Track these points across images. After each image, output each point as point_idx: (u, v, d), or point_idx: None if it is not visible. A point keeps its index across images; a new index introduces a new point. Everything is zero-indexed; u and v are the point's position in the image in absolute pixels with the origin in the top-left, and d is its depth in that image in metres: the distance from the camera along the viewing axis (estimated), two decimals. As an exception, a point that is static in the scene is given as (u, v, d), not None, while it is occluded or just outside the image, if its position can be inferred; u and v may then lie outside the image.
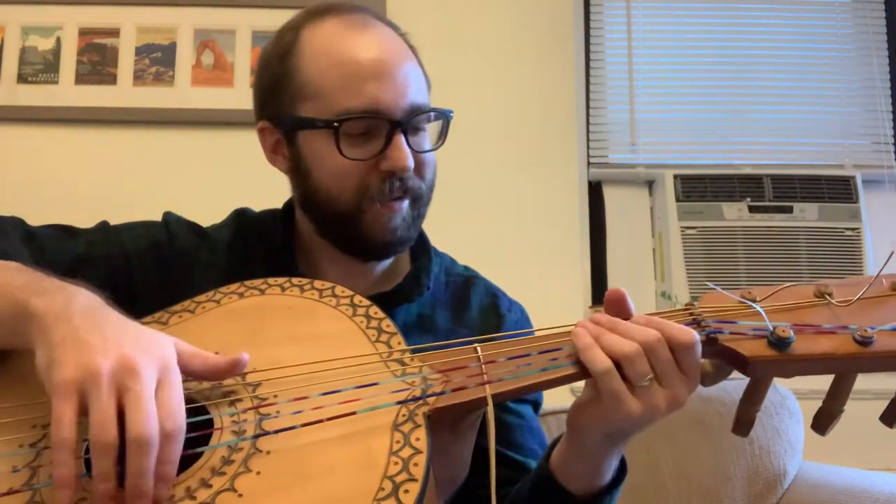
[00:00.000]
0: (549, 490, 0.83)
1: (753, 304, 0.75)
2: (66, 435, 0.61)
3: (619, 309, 0.75)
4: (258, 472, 0.65)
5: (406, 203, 0.94)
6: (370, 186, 0.92)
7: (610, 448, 0.79)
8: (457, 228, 1.29)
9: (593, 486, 0.82)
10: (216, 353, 0.75)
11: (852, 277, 0.80)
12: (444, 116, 0.97)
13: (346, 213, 0.94)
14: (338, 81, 0.91)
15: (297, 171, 0.97)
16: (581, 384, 0.76)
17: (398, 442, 0.66)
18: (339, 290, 0.83)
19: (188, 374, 0.69)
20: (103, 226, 1.01)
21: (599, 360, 0.70)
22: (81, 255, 0.95)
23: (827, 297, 0.76)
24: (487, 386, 0.70)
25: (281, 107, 0.96)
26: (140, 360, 0.65)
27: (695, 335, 0.70)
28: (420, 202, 0.96)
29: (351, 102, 0.90)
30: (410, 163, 0.91)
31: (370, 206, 0.93)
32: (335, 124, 0.90)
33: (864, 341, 0.71)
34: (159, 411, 0.63)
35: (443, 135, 0.98)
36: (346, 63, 0.91)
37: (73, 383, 0.63)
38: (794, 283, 0.78)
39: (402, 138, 0.91)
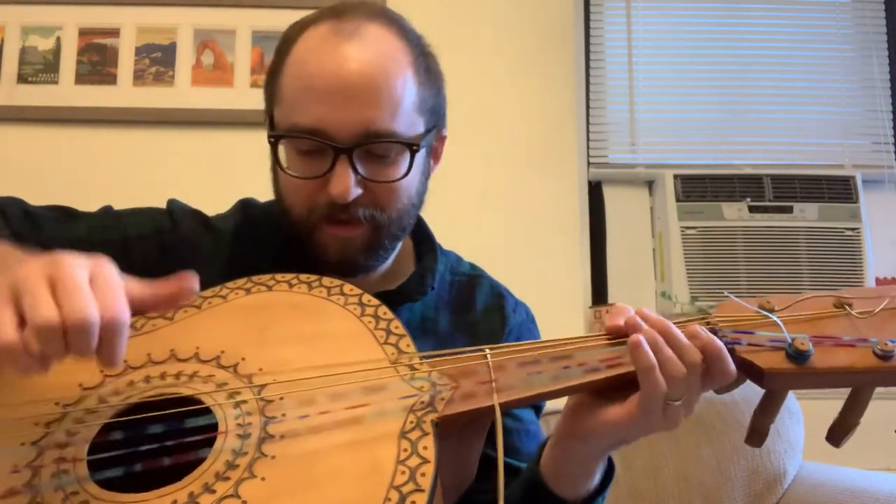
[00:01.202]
0: (539, 496, 0.81)
1: (770, 315, 0.73)
2: (10, 335, 0.59)
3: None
4: (263, 478, 0.64)
5: (362, 230, 0.89)
6: (317, 207, 0.88)
7: (605, 453, 0.79)
8: (457, 228, 1.28)
9: (584, 489, 0.81)
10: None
11: (874, 288, 0.79)
12: (407, 147, 0.88)
13: (300, 227, 0.91)
14: (294, 95, 0.87)
15: (272, 172, 0.95)
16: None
17: (405, 450, 0.65)
18: (347, 288, 0.82)
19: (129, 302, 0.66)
20: (106, 211, 0.99)
21: (660, 384, 0.70)
22: (80, 238, 0.93)
23: (847, 307, 0.75)
24: (496, 394, 0.69)
25: (268, 106, 0.94)
26: (64, 255, 0.64)
27: (735, 374, 0.71)
28: (383, 232, 0.91)
29: (299, 119, 0.86)
30: (351, 193, 0.85)
31: (319, 224, 0.89)
32: (271, 139, 0.89)
33: (885, 355, 0.70)
34: (98, 299, 0.62)
35: (408, 168, 0.89)
36: (307, 76, 0.86)
37: (3, 296, 0.61)
38: (814, 294, 0.77)
39: (346, 166, 0.85)
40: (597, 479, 0.81)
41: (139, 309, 0.68)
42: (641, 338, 0.70)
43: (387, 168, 0.89)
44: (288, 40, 0.91)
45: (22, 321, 0.61)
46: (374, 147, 0.86)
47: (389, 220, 0.91)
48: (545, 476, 0.81)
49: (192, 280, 0.69)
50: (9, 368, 0.61)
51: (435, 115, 0.94)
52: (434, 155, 0.99)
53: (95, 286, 0.63)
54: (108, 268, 0.65)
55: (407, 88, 0.88)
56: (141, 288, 0.68)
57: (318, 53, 0.87)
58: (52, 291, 0.61)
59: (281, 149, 0.90)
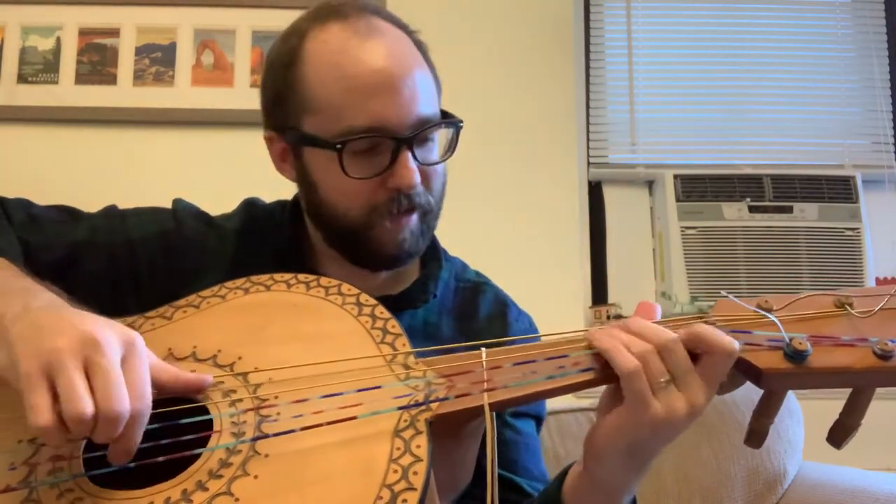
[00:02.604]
0: None
1: (769, 315, 0.72)
2: (46, 419, 0.61)
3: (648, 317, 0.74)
4: (256, 476, 0.65)
5: (415, 217, 0.91)
6: (379, 204, 0.89)
7: (627, 476, 0.76)
8: (456, 228, 1.28)
9: None
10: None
11: (875, 287, 0.78)
12: (455, 126, 0.93)
13: (354, 228, 0.91)
14: (341, 98, 0.87)
15: (304, 183, 0.94)
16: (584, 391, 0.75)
17: (398, 449, 0.65)
18: (345, 288, 0.82)
19: (154, 384, 0.69)
20: (109, 211, 1.00)
21: (628, 360, 0.68)
22: (83, 240, 0.94)
23: (847, 307, 0.73)
24: (486, 394, 0.69)
25: (287, 119, 0.92)
26: (100, 333, 0.65)
27: (735, 345, 0.68)
28: (430, 215, 0.94)
29: (354, 120, 0.86)
30: (417, 179, 0.88)
31: (379, 221, 0.90)
32: (338, 146, 0.87)
33: (885, 355, 0.68)
34: (127, 387, 0.63)
35: (452, 145, 0.94)
36: (349, 77, 0.87)
37: (38, 370, 0.63)
38: (813, 294, 0.75)
39: (409, 155, 0.87)
40: None
41: (159, 390, 0.70)
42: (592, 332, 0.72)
43: (433, 152, 0.93)
44: (293, 51, 0.91)
45: (55, 399, 0.62)
46: (425, 133, 0.90)
47: (436, 202, 0.94)
48: (566, 499, 0.80)
49: (208, 379, 0.72)
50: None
51: (439, 98, 0.97)
52: None
53: (127, 370, 0.65)
54: (140, 348, 0.67)
55: (427, 75, 0.93)
56: (167, 373, 0.71)
57: (351, 53, 0.88)
58: (87, 377, 0.63)
59: (320, 156, 0.90)
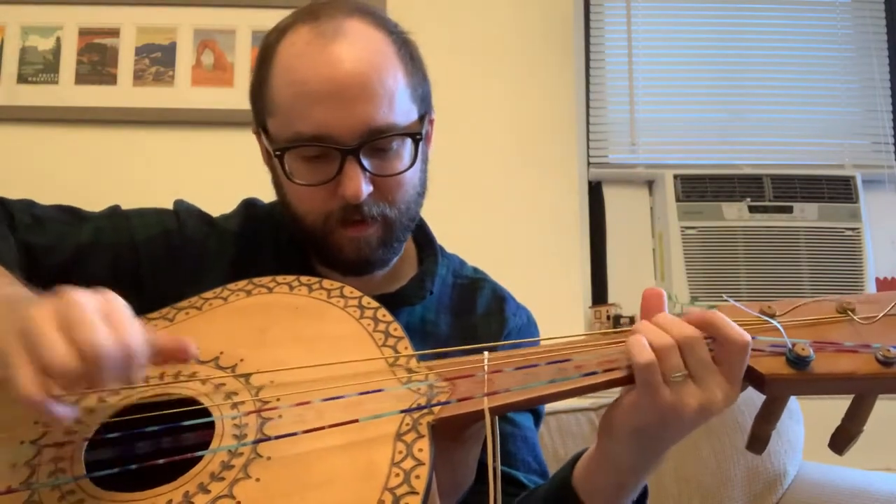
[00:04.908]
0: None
1: (771, 320, 0.72)
2: (31, 389, 0.59)
3: (655, 306, 0.74)
4: (257, 479, 0.65)
5: (372, 229, 0.90)
6: (333, 211, 0.89)
7: (636, 457, 0.75)
8: (457, 228, 1.28)
9: None
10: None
11: (878, 293, 0.77)
12: (411, 138, 0.89)
13: (313, 233, 0.92)
14: (291, 103, 0.87)
15: (275, 183, 0.95)
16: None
17: (400, 452, 0.65)
18: (347, 290, 0.82)
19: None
20: (112, 211, 1.00)
21: (643, 354, 0.68)
22: (88, 241, 0.94)
23: (850, 312, 0.73)
24: (486, 399, 0.69)
25: (259, 117, 0.94)
26: (74, 293, 0.63)
27: (747, 337, 0.68)
28: (393, 227, 0.92)
29: (300, 127, 0.86)
30: (363, 192, 0.86)
31: (336, 228, 0.90)
32: (277, 153, 0.88)
33: (887, 361, 0.68)
34: (110, 329, 0.61)
35: (413, 156, 0.90)
36: (300, 83, 0.86)
37: (16, 341, 0.61)
38: (816, 299, 0.75)
39: (355, 166, 0.86)
40: (627, 502, 0.79)
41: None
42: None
43: (391, 161, 0.89)
44: (269, 48, 0.91)
45: (41, 367, 0.60)
46: (378, 143, 0.87)
47: (399, 213, 0.92)
48: (576, 481, 0.80)
49: (193, 347, 0.69)
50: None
51: (425, 102, 0.95)
52: (427, 139, 0.99)
53: (108, 319, 0.63)
54: (117, 301, 0.66)
55: (398, 80, 0.89)
56: (149, 332, 0.67)
57: (307, 58, 0.87)
58: (63, 332, 0.61)
59: (285, 159, 0.90)
